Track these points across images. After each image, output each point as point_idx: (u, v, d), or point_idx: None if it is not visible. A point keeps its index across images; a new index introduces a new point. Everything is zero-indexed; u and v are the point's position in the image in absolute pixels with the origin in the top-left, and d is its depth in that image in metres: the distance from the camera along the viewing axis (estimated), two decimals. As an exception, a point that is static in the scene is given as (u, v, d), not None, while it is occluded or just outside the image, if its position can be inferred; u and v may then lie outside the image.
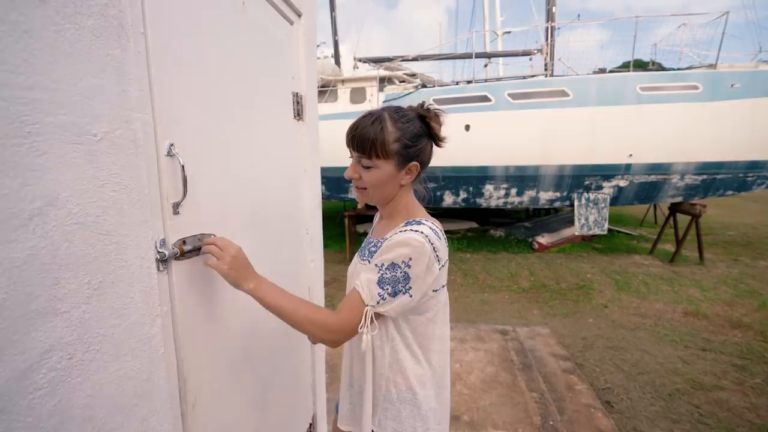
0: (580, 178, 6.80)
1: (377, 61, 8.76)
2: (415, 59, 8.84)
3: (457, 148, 7.05)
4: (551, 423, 2.11)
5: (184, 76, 0.79)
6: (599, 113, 6.40)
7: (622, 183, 6.69)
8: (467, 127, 6.93)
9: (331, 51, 11.39)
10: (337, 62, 10.71)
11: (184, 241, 0.77)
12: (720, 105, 6.11)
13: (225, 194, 0.93)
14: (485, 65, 10.95)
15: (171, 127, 0.74)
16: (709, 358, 3.51)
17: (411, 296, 0.81)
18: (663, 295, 5.18)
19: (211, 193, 0.87)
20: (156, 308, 0.69)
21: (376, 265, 0.82)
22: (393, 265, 0.80)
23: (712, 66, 6.31)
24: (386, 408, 0.91)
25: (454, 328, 3.49)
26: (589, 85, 6.46)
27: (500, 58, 10.72)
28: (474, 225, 9.69)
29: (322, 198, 1.82)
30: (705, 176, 6.48)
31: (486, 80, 8.04)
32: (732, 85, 6.07)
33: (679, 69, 6.78)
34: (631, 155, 6.44)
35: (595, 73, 6.93)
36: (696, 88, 6.14)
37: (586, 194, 6.88)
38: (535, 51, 9.06)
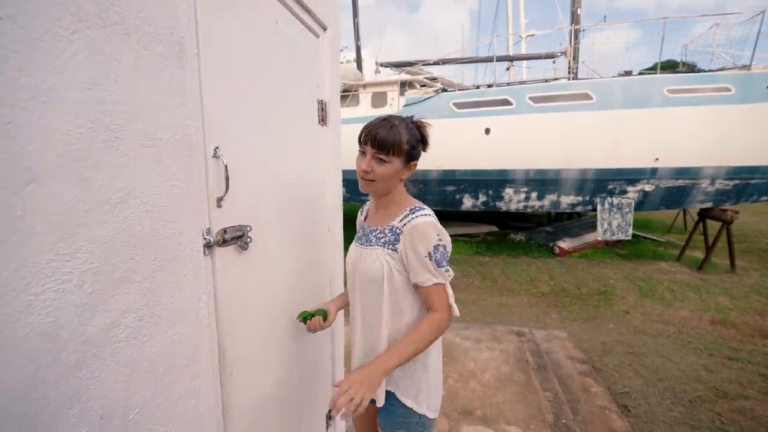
0: (603, 182, 6.68)
1: (398, 65, 8.88)
2: (436, 63, 8.91)
3: (477, 151, 7.08)
4: (564, 421, 2.15)
5: (227, 88, 0.91)
6: (624, 116, 6.28)
7: (648, 187, 6.53)
8: (487, 131, 6.94)
9: (353, 55, 11.60)
10: (359, 67, 10.90)
11: (225, 231, 0.90)
12: (754, 107, 5.88)
13: (258, 191, 1.06)
14: (507, 69, 10.89)
15: (216, 132, 0.87)
16: (735, 367, 3.41)
17: (449, 268, 1.03)
18: (689, 303, 5.03)
19: (248, 190, 0.99)
20: (203, 286, 0.82)
21: (424, 256, 0.96)
22: (436, 247, 0.97)
23: (746, 67, 6.08)
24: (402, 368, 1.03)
25: (470, 328, 3.54)
26: (614, 88, 6.35)
27: (523, 61, 10.64)
28: (494, 229, 9.64)
29: (344, 200, 1.93)
30: (737, 181, 6.24)
31: (508, 83, 8.02)
32: (767, 87, 5.84)
33: (710, 70, 6.57)
34: (657, 159, 6.28)
35: (620, 75, 6.80)
36: (728, 90, 5.93)
37: (609, 199, 6.75)
38: (559, 53, 8.95)
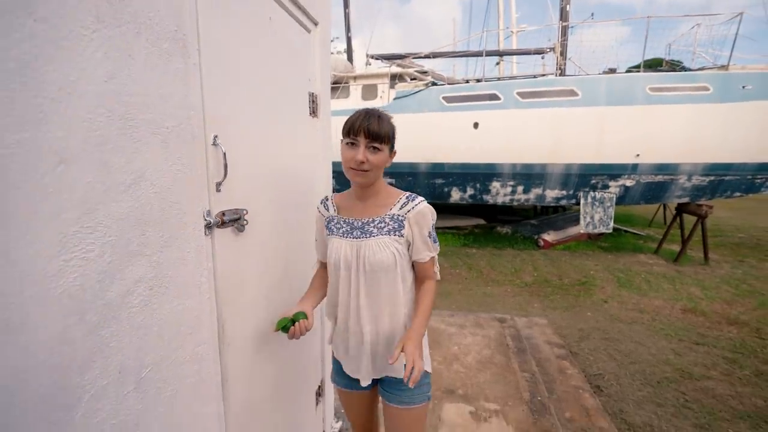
0: (586, 177, 6.87)
1: (389, 58, 8.90)
2: (427, 57, 8.95)
3: (466, 145, 7.20)
4: (539, 398, 2.29)
5: (225, 81, 0.98)
6: (608, 113, 6.46)
7: (629, 182, 6.75)
8: (476, 125, 7.05)
9: (344, 46, 11.55)
10: (350, 59, 10.87)
11: (223, 213, 0.97)
12: (731, 106, 6.11)
13: (254, 178, 1.13)
14: (497, 63, 10.99)
15: (215, 122, 0.94)
16: (701, 351, 3.63)
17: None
18: (663, 293, 5.28)
19: (244, 176, 1.07)
20: (204, 263, 0.90)
21: (426, 236, 1.11)
22: (433, 227, 1.13)
23: (724, 67, 6.30)
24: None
25: (455, 315, 3.67)
26: (599, 85, 6.51)
27: (514, 56, 10.74)
28: (481, 222, 9.82)
29: (333, 191, 2.00)
30: (713, 177, 6.50)
31: (499, 79, 8.13)
32: (744, 87, 6.07)
33: (690, 70, 6.78)
34: (638, 155, 6.49)
35: (604, 73, 6.97)
36: (706, 89, 6.15)
37: (592, 193, 6.96)
38: (548, 49, 9.08)
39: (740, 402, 2.87)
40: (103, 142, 0.62)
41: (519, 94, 6.80)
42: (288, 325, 1.10)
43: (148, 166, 0.72)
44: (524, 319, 3.82)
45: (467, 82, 7.90)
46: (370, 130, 1.02)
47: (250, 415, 1.15)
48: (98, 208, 0.62)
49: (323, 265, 1.28)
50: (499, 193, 7.41)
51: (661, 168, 6.54)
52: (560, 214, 10.51)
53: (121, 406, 0.67)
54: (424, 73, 8.78)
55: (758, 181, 6.51)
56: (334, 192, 1.44)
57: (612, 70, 6.99)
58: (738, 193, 6.71)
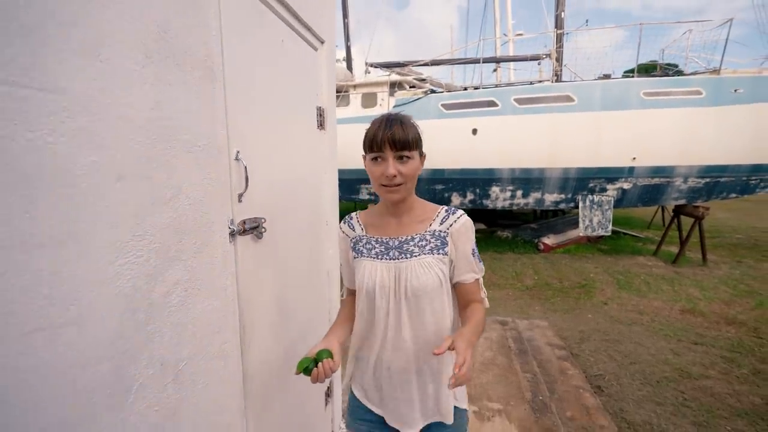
0: (584, 181, 6.97)
1: (388, 66, 9.05)
2: (425, 64, 9.11)
3: (465, 150, 7.31)
4: (540, 398, 2.36)
5: (245, 100, 1.07)
6: (603, 118, 6.58)
7: (626, 185, 6.85)
8: (474, 131, 7.17)
9: (343, 55, 11.71)
10: (349, 67, 11.03)
11: (244, 222, 1.06)
12: (723, 109, 6.24)
13: (270, 188, 1.22)
14: (494, 70, 11.15)
15: (237, 138, 1.03)
16: (700, 351, 3.69)
17: None
18: (662, 294, 5.34)
19: (262, 188, 1.16)
20: (229, 268, 0.98)
21: (470, 253, 1.00)
22: (476, 243, 1.02)
23: (716, 71, 6.44)
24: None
25: (457, 318, 3.74)
26: (594, 91, 6.64)
27: (510, 63, 10.90)
28: (482, 226, 9.90)
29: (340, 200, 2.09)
30: (708, 179, 6.61)
31: (496, 86, 8.27)
32: (735, 91, 6.19)
33: (683, 74, 6.91)
34: (634, 158, 6.60)
35: (599, 78, 7.10)
36: (699, 93, 6.28)
37: (590, 196, 7.05)
38: (544, 56, 9.24)
39: (738, 400, 2.93)
40: (149, 161, 0.71)
41: (516, 100, 6.93)
42: (310, 367, 0.93)
43: (184, 180, 0.81)
44: (525, 322, 3.89)
45: (465, 89, 8.04)
46: (395, 139, 0.90)
47: (267, 411, 1.23)
48: (146, 219, 0.71)
49: (352, 293, 1.12)
50: (499, 197, 7.50)
51: (657, 171, 6.64)
52: (560, 218, 10.60)
53: (162, 395, 0.76)
54: (423, 80, 8.93)
55: (753, 182, 6.61)
56: (358, 209, 1.25)
57: (607, 76, 7.12)
58: (733, 195, 6.80)
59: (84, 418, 0.60)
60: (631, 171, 6.72)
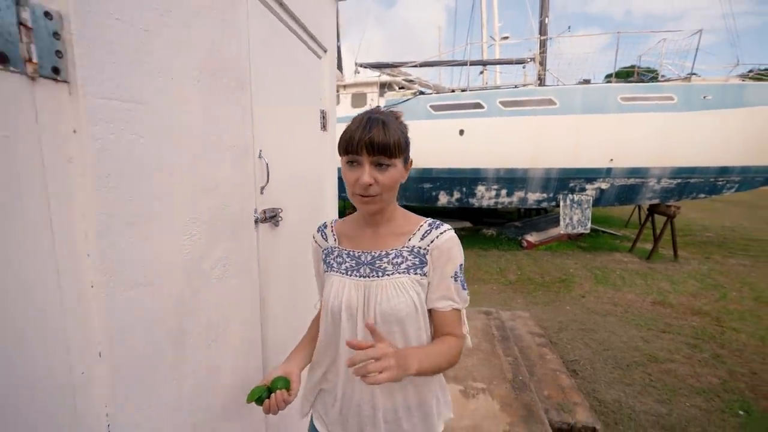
0: (565, 181, 7.30)
1: (378, 66, 9.22)
2: (414, 66, 9.31)
3: (452, 151, 7.54)
4: (521, 378, 2.58)
5: (265, 105, 1.24)
6: (583, 121, 6.90)
7: (604, 185, 7.20)
8: (461, 132, 7.41)
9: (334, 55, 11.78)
10: (339, 67, 11.15)
11: (265, 211, 1.22)
12: (693, 114, 6.63)
13: (285, 182, 1.39)
14: (481, 72, 11.43)
15: (260, 139, 1.19)
16: (667, 338, 4.00)
17: None
18: (636, 288, 5.68)
19: (279, 182, 1.32)
20: (253, 250, 1.15)
21: (452, 276, 0.83)
22: (461, 267, 0.85)
23: (687, 78, 6.83)
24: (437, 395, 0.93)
25: (444, 309, 3.95)
26: (575, 95, 6.96)
27: (497, 65, 11.19)
28: (468, 224, 10.18)
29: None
30: (679, 180, 7.01)
31: (483, 88, 8.54)
32: (704, 97, 6.59)
33: (657, 80, 7.30)
34: (612, 160, 6.95)
35: (579, 83, 7.44)
36: (671, 99, 6.65)
37: (570, 195, 7.38)
38: (528, 59, 9.57)
39: (698, 380, 3.22)
40: (201, 157, 0.87)
41: (501, 102, 7.20)
42: (263, 396, 0.84)
43: (223, 174, 0.97)
44: (508, 313, 4.13)
45: (453, 91, 8.28)
46: (373, 142, 0.77)
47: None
48: (198, 204, 0.87)
49: None
50: (484, 196, 7.77)
51: (633, 172, 7.01)
52: (542, 216, 10.96)
53: (208, 351, 0.92)
54: (411, 81, 9.13)
55: (720, 183, 7.04)
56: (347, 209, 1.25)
57: (586, 81, 7.46)
58: (702, 195, 7.23)
59: (159, 360, 0.76)
60: (608, 172, 7.07)
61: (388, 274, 0.84)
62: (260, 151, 1.18)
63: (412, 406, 0.88)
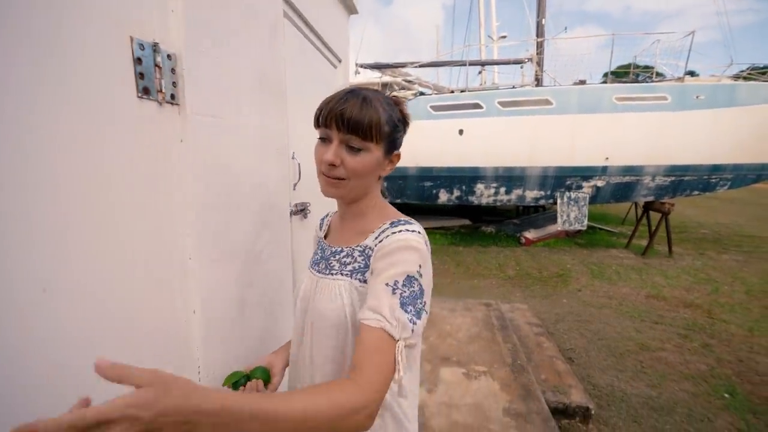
0: (562, 179, 7.49)
1: (378, 67, 9.40)
2: (413, 66, 9.49)
3: (452, 150, 7.73)
4: (519, 362, 2.77)
5: (295, 112, 1.42)
6: (579, 120, 7.10)
7: (600, 183, 7.40)
8: (461, 132, 7.60)
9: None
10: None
11: (296, 205, 1.41)
12: (686, 114, 6.83)
13: (310, 180, 1.57)
14: (479, 72, 11.62)
15: (293, 142, 1.38)
16: (659, 329, 4.19)
17: (427, 312, 0.67)
18: (631, 282, 5.88)
19: (307, 180, 1.51)
20: (288, 238, 1.33)
21: (387, 284, 0.63)
22: (409, 279, 0.64)
23: (680, 79, 7.03)
24: None
25: (446, 301, 4.14)
26: (571, 95, 7.15)
27: (495, 66, 11.37)
28: (467, 222, 10.38)
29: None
30: (673, 178, 7.21)
31: (482, 89, 8.73)
32: (697, 97, 6.79)
33: (651, 80, 7.50)
34: (607, 158, 7.15)
35: (575, 84, 7.63)
36: (665, 98, 6.85)
37: (567, 193, 7.58)
38: (526, 60, 9.76)
39: (687, 367, 3.42)
40: (257, 158, 1.06)
41: (500, 103, 7.39)
42: (240, 382, 0.80)
43: (269, 173, 1.16)
44: (507, 305, 4.32)
45: (452, 92, 8.47)
46: (344, 117, 0.67)
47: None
48: (257, 197, 1.06)
49: None
50: (483, 194, 7.96)
51: (628, 170, 7.21)
52: (540, 214, 11.16)
53: (264, 316, 1.11)
54: (411, 82, 9.31)
55: (713, 180, 7.25)
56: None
57: (582, 82, 7.65)
58: (696, 192, 7.43)
59: (229, 319, 0.94)
60: (604, 170, 7.27)
61: (332, 274, 0.76)
62: (293, 152, 1.37)
63: None
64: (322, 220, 0.95)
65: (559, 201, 7.63)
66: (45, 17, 0.47)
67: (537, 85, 8.20)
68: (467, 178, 7.91)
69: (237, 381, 0.79)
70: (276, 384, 0.83)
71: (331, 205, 0.81)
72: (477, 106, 7.51)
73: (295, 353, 0.81)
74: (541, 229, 8.94)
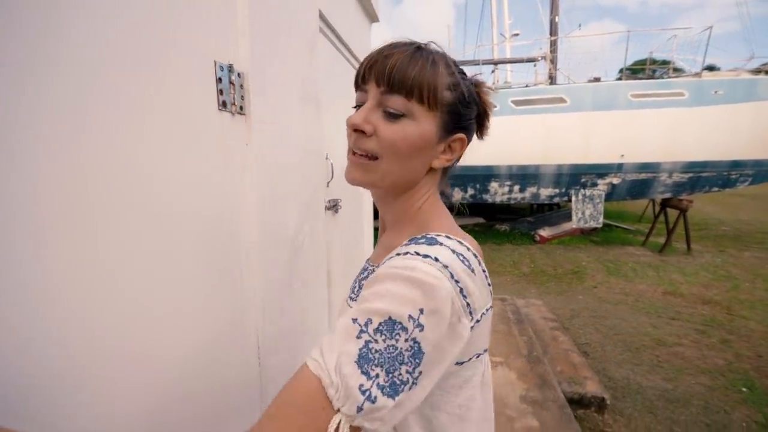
0: (577, 176, 7.49)
1: (391, 69, 9.51)
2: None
3: (467, 148, 7.80)
4: (535, 354, 2.86)
5: (327, 115, 1.56)
6: (594, 118, 7.09)
7: (615, 180, 7.37)
8: (474, 130, 7.67)
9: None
10: (353, 69, 11.48)
11: (329, 201, 1.55)
12: (704, 110, 6.75)
13: (339, 179, 1.71)
14: (492, 71, 11.63)
15: (326, 145, 1.51)
16: (676, 325, 4.21)
17: (422, 387, 0.42)
18: (648, 279, 5.86)
19: (338, 178, 1.64)
20: (323, 230, 1.47)
21: (354, 320, 0.42)
22: (390, 325, 0.40)
23: (698, 74, 6.95)
24: None
25: (463, 297, 4.24)
26: (585, 93, 7.15)
27: (508, 64, 11.37)
28: (481, 220, 10.42)
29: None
30: (691, 174, 7.13)
31: (495, 87, 8.78)
32: (715, 92, 6.71)
33: (668, 76, 7.43)
34: (623, 155, 7.11)
35: (590, 81, 7.61)
36: (682, 94, 6.79)
37: (582, 190, 7.57)
38: (539, 58, 9.74)
39: (704, 362, 3.44)
40: (301, 159, 1.20)
41: (513, 102, 7.43)
42: None
43: (311, 171, 1.29)
44: (523, 300, 4.39)
45: (465, 91, 8.52)
46: (386, 67, 0.50)
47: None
48: (301, 193, 1.19)
49: None
50: (498, 192, 8.01)
51: (644, 167, 7.16)
52: (554, 212, 11.11)
53: (307, 295, 1.24)
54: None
55: (733, 176, 7.14)
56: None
57: (597, 79, 7.63)
58: (715, 188, 7.33)
59: (278, 297, 1.08)
60: (620, 167, 7.24)
61: (352, 299, 0.63)
62: (327, 154, 1.50)
63: None
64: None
65: (574, 199, 7.63)
66: (156, 52, 0.62)
67: (551, 83, 8.20)
68: (481, 176, 7.97)
69: None
70: None
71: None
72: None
73: None
74: (556, 227, 8.93)
